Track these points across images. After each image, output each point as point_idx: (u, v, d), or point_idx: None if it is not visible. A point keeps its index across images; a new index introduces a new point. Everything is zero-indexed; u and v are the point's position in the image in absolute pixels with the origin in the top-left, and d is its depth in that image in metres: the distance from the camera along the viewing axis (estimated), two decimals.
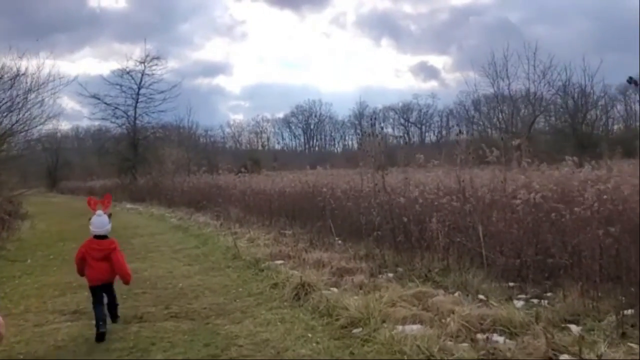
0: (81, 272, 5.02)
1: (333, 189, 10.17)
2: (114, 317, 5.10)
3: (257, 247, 8.97)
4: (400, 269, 6.75)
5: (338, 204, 9.87)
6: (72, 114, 66.79)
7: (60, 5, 66.27)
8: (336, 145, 66.50)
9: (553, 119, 31.21)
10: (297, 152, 63.99)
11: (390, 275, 6.51)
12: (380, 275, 6.45)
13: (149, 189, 24.45)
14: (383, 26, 78.41)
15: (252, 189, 14.74)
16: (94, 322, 4.77)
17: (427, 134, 62.15)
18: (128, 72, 29.71)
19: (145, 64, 29.68)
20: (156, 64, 29.85)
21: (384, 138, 10.57)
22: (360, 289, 5.62)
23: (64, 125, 48.45)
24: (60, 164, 47.47)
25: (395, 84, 77.27)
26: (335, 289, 5.74)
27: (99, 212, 5.10)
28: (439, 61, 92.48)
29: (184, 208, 17.94)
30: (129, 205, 22.69)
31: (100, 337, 4.59)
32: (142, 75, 29.85)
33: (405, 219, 7.44)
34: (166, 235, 12.41)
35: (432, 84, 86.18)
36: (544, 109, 29.21)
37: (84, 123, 33.35)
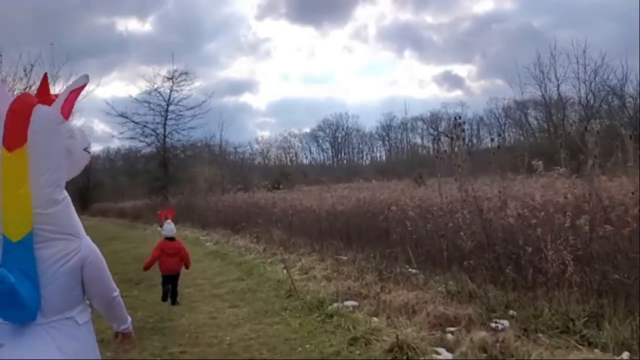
0: (147, 267, 6.94)
1: (400, 206, 8.56)
2: (174, 302, 6.95)
3: (315, 280, 7.40)
4: (513, 312, 5.11)
5: (408, 223, 8.27)
6: (102, 137, 67.44)
7: (90, 32, 67.43)
8: (364, 158, 65.97)
9: (606, 120, 29.11)
10: (326, 165, 63.49)
11: (505, 323, 4.86)
12: (493, 324, 4.82)
13: (181, 210, 23.14)
14: (405, 38, 78.32)
15: (295, 207, 13.26)
16: None
17: (457, 143, 60.07)
18: (156, 89, 28.83)
19: (174, 80, 28.76)
20: (184, 79, 28.90)
21: (466, 141, 8.88)
22: (485, 352, 4.00)
23: (95, 148, 48.46)
24: (91, 185, 47.21)
25: (419, 94, 76.70)
26: (446, 352, 4.13)
27: (168, 221, 7.07)
28: (463, 70, 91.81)
29: (220, 230, 16.55)
30: (160, 228, 21.52)
31: (165, 299, 6.89)
32: (171, 91, 28.93)
33: (509, 244, 5.79)
34: (203, 263, 10.97)
35: (457, 93, 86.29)
36: (597, 110, 27.03)
37: (115, 144, 32.73)
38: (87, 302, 2.07)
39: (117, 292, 2.14)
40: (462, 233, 6.34)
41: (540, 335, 4.39)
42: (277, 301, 6.69)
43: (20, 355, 1.76)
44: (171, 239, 6.98)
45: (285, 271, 8.20)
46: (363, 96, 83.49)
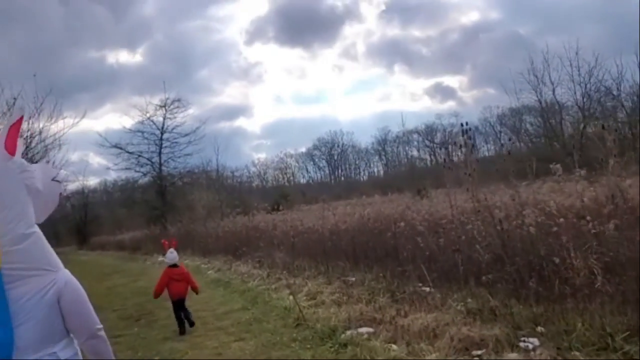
0: (159, 292, 7.32)
1: (407, 221, 8.19)
2: (191, 323, 7.23)
3: (324, 306, 6.99)
4: (541, 329, 4.71)
5: (414, 238, 7.90)
6: (99, 169, 67.39)
7: (81, 66, 67.84)
8: (361, 174, 66.20)
9: (603, 121, 28.95)
10: (324, 183, 63.48)
11: (535, 342, 4.46)
12: (522, 343, 4.42)
13: (180, 238, 22.57)
14: (394, 53, 79.77)
15: (296, 228, 12.86)
16: None
17: (454, 154, 60.41)
18: (149, 118, 28.55)
19: (166, 107, 28.51)
20: (177, 107, 28.65)
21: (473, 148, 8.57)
22: None
23: (92, 181, 48.17)
24: (89, 219, 46.67)
25: (412, 107, 77.72)
26: None
27: (171, 249, 7.51)
28: (454, 81, 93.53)
29: (221, 256, 16.10)
30: (160, 258, 20.97)
31: (182, 332, 7.03)
32: (164, 119, 28.65)
33: (529, 254, 5.41)
34: (205, 293, 10.50)
35: (450, 104, 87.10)
36: (595, 111, 26.82)
37: (111, 177, 32.25)
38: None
39: (99, 327, 2.04)
40: (477, 246, 5.97)
41: (576, 353, 4.00)
42: (286, 331, 6.26)
43: None
44: (175, 266, 7.51)
45: (291, 297, 7.80)
46: (356, 113, 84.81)
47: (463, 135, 7.06)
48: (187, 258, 18.99)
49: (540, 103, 27.39)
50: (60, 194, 2.19)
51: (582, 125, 25.90)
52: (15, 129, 1.95)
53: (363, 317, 5.95)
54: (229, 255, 15.50)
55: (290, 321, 6.65)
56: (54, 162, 14.63)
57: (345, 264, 9.58)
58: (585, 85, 26.03)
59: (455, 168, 7.29)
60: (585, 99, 26.32)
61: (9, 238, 1.84)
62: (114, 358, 2.09)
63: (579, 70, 25.84)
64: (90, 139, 30.45)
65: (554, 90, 26.29)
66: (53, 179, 2.10)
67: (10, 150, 1.91)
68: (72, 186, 45.30)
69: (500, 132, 56.69)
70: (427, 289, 7.15)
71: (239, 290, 9.84)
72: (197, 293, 7.73)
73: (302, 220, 13.43)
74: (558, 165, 5.27)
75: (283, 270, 11.02)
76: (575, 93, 26.37)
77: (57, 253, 2.04)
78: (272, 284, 9.52)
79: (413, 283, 7.44)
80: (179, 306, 7.27)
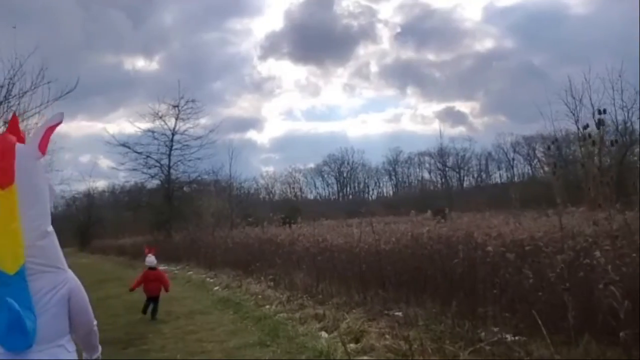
0: (132, 289, 8.93)
1: (480, 243, 6.37)
2: (153, 317, 8.64)
3: (376, 354, 5.15)
4: None
5: (491, 265, 6.08)
6: (108, 172, 66.76)
7: (97, 70, 67.75)
8: (370, 193, 65.02)
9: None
10: (331, 200, 62.37)
11: None
12: None
13: (185, 247, 20.93)
14: (407, 75, 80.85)
15: (318, 244, 11.01)
16: None
17: (465, 178, 60.11)
18: (161, 117, 26.94)
19: (179, 107, 26.89)
20: (191, 107, 27.02)
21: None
22: None
23: (100, 184, 47.02)
24: (92, 221, 45.22)
25: (422, 130, 77.84)
26: None
27: (150, 254, 8.96)
28: (465, 106, 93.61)
29: (229, 270, 14.27)
30: (162, 267, 19.09)
31: (144, 312, 8.73)
32: (176, 119, 27.01)
33: None
34: (211, 315, 8.71)
35: (460, 129, 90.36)
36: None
37: (119, 180, 30.62)
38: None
39: (95, 322, 2.20)
40: (611, 287, 4.12)
41: None
42: None
43: None
44: (153, 268, 8.88)
45: (324, 334, 5.98)
46: (366, 132, 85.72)
47: (599, 128, 5.20)
48: (191, 269, 17.22)
49: (577, 127, 25.40)
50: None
51: (623, 152, 24.12)
52: (51, 131, 2.05)
53: None
54: (239, 269, 13.69)
55: None
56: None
57: (387, 293, 7.73)
58: (629, 110, 24.23)
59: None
60: (628, 124, 24.48)
61: (35, 234, 1.93)
62: (99, 348, 2.30)
63: (622, 93, 24.03)
64: (102, 143, 28.76)
65: (594, 114, 24.36)
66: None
67: (43, 150, 2.01)
68: (79, 187, 44.45)
69: (513, 159, 55.66)
70: (510, 337, 5.37)
71: (253, 316, 7.99)
72: (167, 291, 8.93)
73: (324, 237, 11.56)
74: None
75: (304, 293, 9.21)
76: (616, 117, 24.54)
77: None
78: (295, 312, 7.70)
79: (488, 327, 5.65)
80: (153, 301, 8.76)
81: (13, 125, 2.14)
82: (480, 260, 6.22)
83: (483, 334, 5.67)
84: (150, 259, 8.85)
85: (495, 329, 5.66)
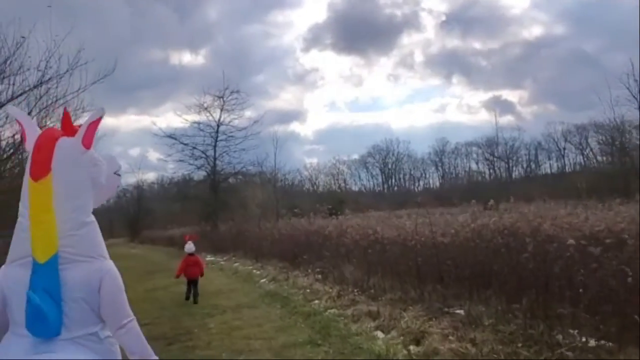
0: (178, 276, 9.59)
1: (551, 235, 5.70)
2: (195, 300, 9.33)
3: (440, 358, 4.62)
4: None
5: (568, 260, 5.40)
6: (157, 165, 68.55)
7: (145, 65, 69.33)
8: (416, 184, 63.72)
9: None
10: (376, 192, 61.55)
11: None
12: None
13: (231, 238, 20.85)
14: (453, 64, 78.44)
15: (368, 236, 10.46)
16: None
17: (514, 169, 58.22)
18: (206, 108, 26.98)
19: (224, 98, 26.82)
20: (235, 98, 26.92)
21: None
22: None
23: (150, 176, 48.25)
24: (142, 213, 46.26)
25: (469, 120, 75.66)
26: None
27: (189, 242, 9.71)
28: (513, 95, 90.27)
29: (275, 262, 13.97)
30: (209, 257, 19.12)
31: (187, 298, 9.44)
32: (222, 110, 26.99)
33: None
34: (258, 309, 8.37)
35: (508, 119, 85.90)
36: None
37: (168, 172, 31.05)
38: None
39: (131, 318, 2.06)
40: None
41: None
42: None
43: None
44: (192, 254, 9.62)
45: (380, 334, 5.49)
46: (410, 122, 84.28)
47: None
48: (237, 260, 17.06)
49: None
50: (117, 185, 2.35)
51: None
52: (94, 125, 2.08)
53: None
54: (285, 261, 13.34)
55: None
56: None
57: (446, 289, 7.15)
58: None
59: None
60: None
61: (70, 225, 1.96)
62: (145, 347, 2.08)
63: None
64: (150, 136, 29.16)
65: None
66: (115, 172, 2.25)
67: (87, 144, 2.06)
68: (129, 180, 45.64)
69: (564, 148, 53.38)
70: (594, 342, 4.73)
71: (302, 312, 7.58)
72: (201, 276, 9.66)
73: (374, 228, 11.01)
74: None
75: (354, 288, 8.74)
76: None
77: (109, 244, 2.32)
78: (347, 308, 7.24)
79: (566, 329, 5.02)
80: (193, 284, 9.50)
81: (66, 120, 2.19)
82: (554, 254, 5.55)
83: (560, 337, 5.05)
84: (190, 246, 9.64)
85: (574, 332, 5.04)
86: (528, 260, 5.65)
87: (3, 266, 2.03)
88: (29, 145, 2.06)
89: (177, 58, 76.21)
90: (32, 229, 1.93)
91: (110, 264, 2.08)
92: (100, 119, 2.10)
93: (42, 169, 1.97)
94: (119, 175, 2.32)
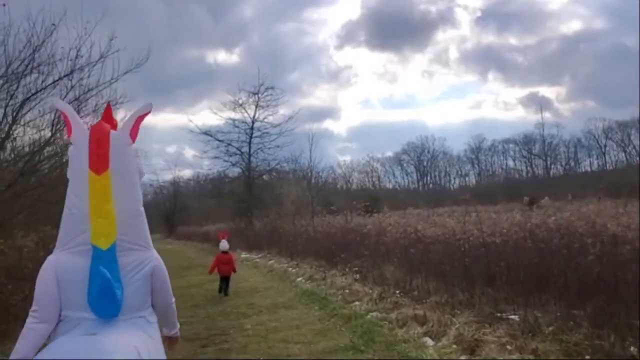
0: (211, 272, 9.96)
1: (615, 234, 5.13)
2: (226, 294, 9.73)
3: None
4: None
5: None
6: (193, 162, 69.51)
7: (182, 64, 70.42)
8: (452, 182, 62.50)
9: None
10: (411, 189, 60.62)
11: None
12: None
13: (266, 235, 20.64)
14: (488, 60, 77.15)
15: (409, 235, 9.98)
16: None
17: (552, 166, 56.43)
18: (241, 105, 26.87)
19: (259, 95, 26.65)
20: (270, 94, 26.71)
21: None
22: None
23: (186, 173, 48.90)
24: (178, 209, 46.83)
25: (505, 117, 73.58)
26: None
27: (223, 240, 9.98)
28: (550, 92, 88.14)
29: (311, 260, 13.62)
30: (244, 254, 18.95)
31: (220, 292, 9.77)
32: (256, 107, 26.83)
33: None
34: (295, 310, 8.04)
35: (545, 115, 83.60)
36: None
37: (203, 169, 31.17)
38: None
39: (174, 300, 2.36)
40: None
41: None
42: None
43: (114, 340, 1.89)
44: (225, 252, 9.86)
45: (429, 341, 5.05)
46: (445, 119, 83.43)
47: None
48: (272, 258, 16.81)
49: None
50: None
51: None
52: (140, 119, 2.20)
53: None
54: (322, 260, 12.97)
55: None
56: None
57: (497, 292, 6.63)
58: None
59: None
60: None
61: (127, 213, 2.11)
62: (176, 319, 2.46)
63: None
64: (187, 133, 29.30)
65: None
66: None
67: (134, 137, 2.17)
68: (166, 176, 46.31)
69: (605, 145, 51.36)
70: None
71: (342, 314, 7.19)
72: (234, 272, 10.02)
73: (414, 226, 10.52)
74: None
75: (396, 289, 8.30)
76: None
77: None
78: (390, 311, 6.81)
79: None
80: (225, 281, 9.82)
81: (107, 114, 2.31)
82: (625, 257, 4.99)
83: (633, 349, 4.52)
84: (224, 244, 9.87)
85: None
86: (593, 263, 5.10)
87: (53, 254, 2.12)
88: (77, 138, 2.11)
89: (212, 57, 77.34)
90: (94, 219, 2.03)
91: (157, 254, 2.25)
92: (147, 113, 2.22)
93: (103, 162, 2.06)
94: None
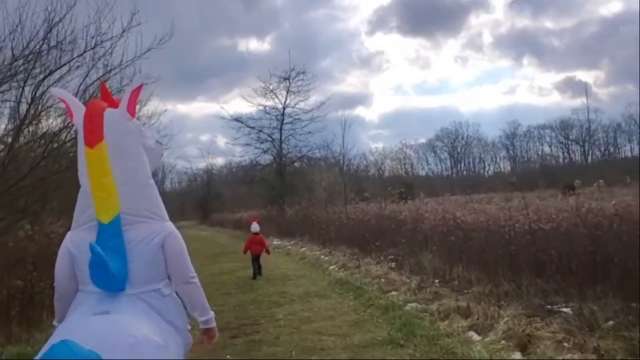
0: (245, 251, 10.54)
1: None
2: (260, 273, 10.29)
3: None
4: None
5: None
6: (226, 150, 70.16)
7: (214, 53, 70.71)
8: (486, 168, 61.08)
9: None
10: (444, 176, 59.58)
11: None
12: None
13: (298, 222, 20.39)
14: (523, 44, 75.19)
15: (447, 222, 9.52)
16: None
17: (590, 152, 54.28)
18: (272, 91, 26.57)
19: (290, 80, 26.27)
20: (302, 79, 26.30)
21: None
22: None
23: (219, 160, 49.31)
24: (211, 196, 47.29)
25: (539, 102, 71.27)
26: None
27: (254, 222, 10.73)
28: (588, 76, 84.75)
29: (344, 248, 13.27)
30: (275, 241, 18.74)
31: (254, 277, 10.12)
32: (287, 92, 26.48)
33: None
34: (329, 300, 7.71)
35: (582, 100, 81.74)
36: None
37: (236, 157, 31.03)
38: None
39: (193, 275, 2.23)
40: None
41: None
42: None
43: (122, 320, 1.91)
44: (256, 233, 10.54)
45: (475, 336, 4.65)
46: (479, 105, 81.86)
47: None
48: (304, 245, 16.55)
49: None
50: (161, 154, 2.52)
51: None
52: (136, 94, 2.20)
53: None
54: (355, 247, 12.62)
55: None
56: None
57: (546, 283, 6.15)
58: None
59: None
60: None
61: (131, 186, 2.11)
62: (205, 302, 2.27)
63: None
64: (219, 121, 29.20)
65: None
66: (157, 141, 2.40)
67: (132, 112, 2.18)
68: (199, 164, 46.73)
69: None
70: None
71: (378, 304, 6.82)
72: (268, 253, 10.76)
73: (453, 213, 10.03)
74: None
75: (435, 278, 7.90)
76: None
77: (180, 226, 2.41)
78: (430, 302, 6.41)
79: None
80: (256, 260, 10.30)
81: (104, 93, 2.35)
82: None
83: None
84: (255, 226, 10.59)
85: None
86: None
87: (69, 232, 2.19)
88: (78, 120, 2.15)
89: (244, 45, 77.46)
90: (94, 192, 2.06)
91: (171, 225, 2.22)
92: (140, 87, 2.23)
93: (95, 135, 2.07)
94: (161, 143, 2.49)
